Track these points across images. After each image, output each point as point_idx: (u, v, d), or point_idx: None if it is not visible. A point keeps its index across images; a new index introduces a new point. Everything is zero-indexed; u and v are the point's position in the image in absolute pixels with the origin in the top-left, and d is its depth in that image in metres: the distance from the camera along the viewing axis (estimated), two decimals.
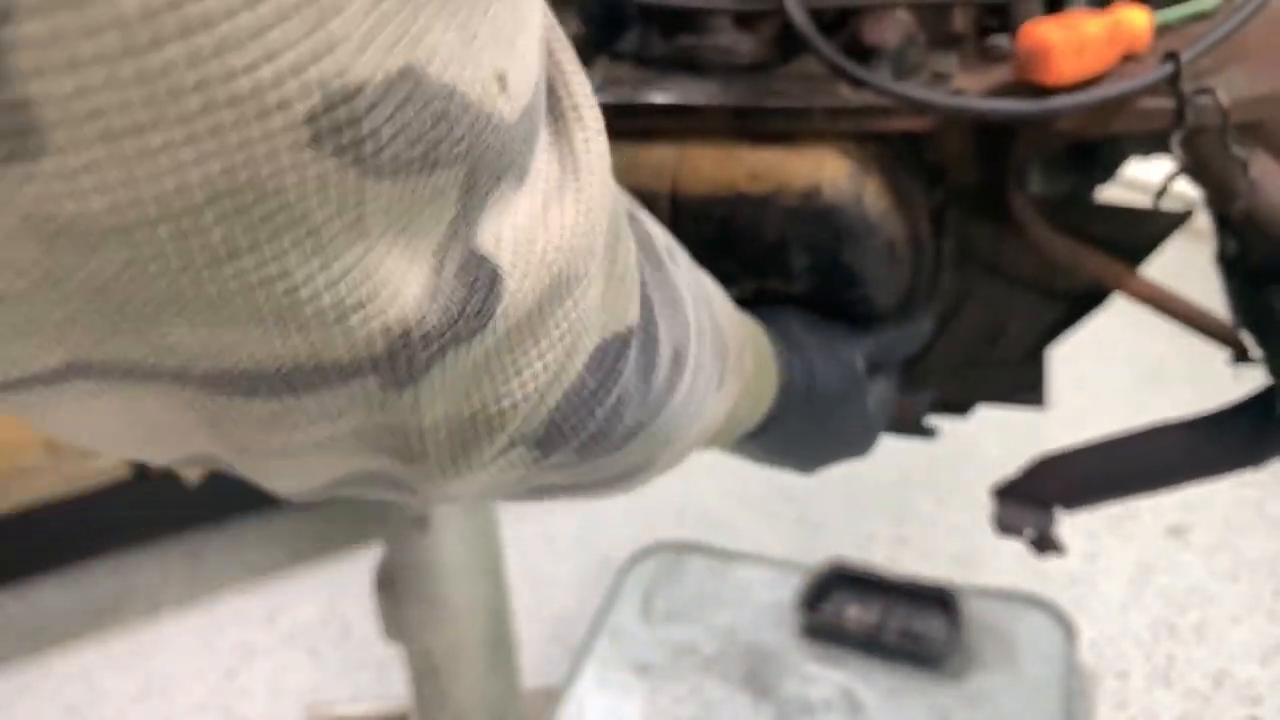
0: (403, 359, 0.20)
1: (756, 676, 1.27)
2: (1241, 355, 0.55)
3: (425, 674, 1.05)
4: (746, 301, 0.48)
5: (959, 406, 0.65)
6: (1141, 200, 0.54)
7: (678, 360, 0.31)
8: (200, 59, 0.15)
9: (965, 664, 1.25)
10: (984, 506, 0.67)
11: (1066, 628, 1.29)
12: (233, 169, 0.16)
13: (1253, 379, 0.57)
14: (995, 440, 1.66)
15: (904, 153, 0.52)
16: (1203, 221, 0.58)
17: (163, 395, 0.20)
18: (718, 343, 0.37)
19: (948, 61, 0.50)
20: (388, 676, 1.41)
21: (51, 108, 0.15)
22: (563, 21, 0.55)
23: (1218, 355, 0.56)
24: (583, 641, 1.33)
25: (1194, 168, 0.50)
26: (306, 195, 0.17)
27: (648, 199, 0.47)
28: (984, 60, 0.51)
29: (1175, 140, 0.45)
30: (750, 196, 0.48)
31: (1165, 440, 0.61)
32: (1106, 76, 0.46)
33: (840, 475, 1.84)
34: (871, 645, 1.27)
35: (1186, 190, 0.53)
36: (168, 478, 1.52)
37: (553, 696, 1.25)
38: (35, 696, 1.43)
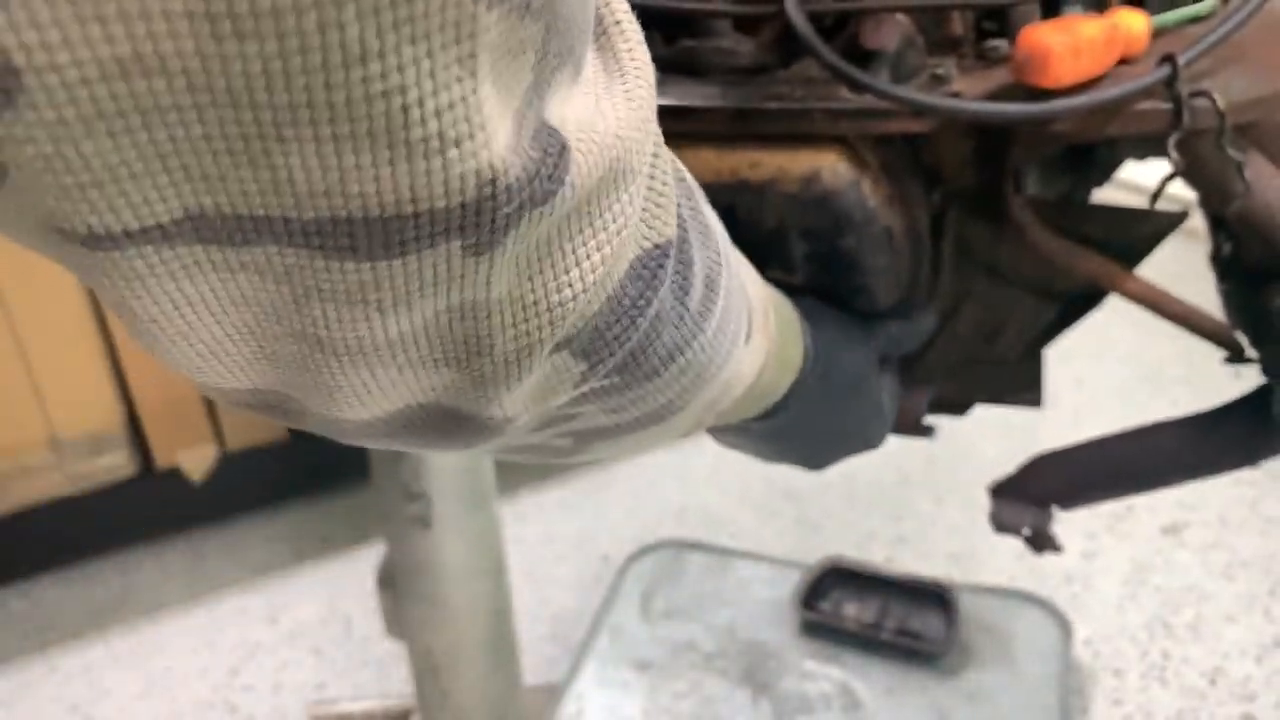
0: (487, 214, 0.21)
1: (755, 673, 1.27)
2: (1237, 355, 0.55)
3: (427, 672, 1.06)
4: None
5: (957, 406, 0.66)
6: (1138, 202, 0.54)
7: (710, 286, 0.32)
8: None
9: (962, 661, 1.25)
10: (981, 505, 0.68)
11: (1063, 625, 1.29)
12: None
13: (1248, 379, 0.57)
14: (993, 440, 1.67)
15: (903, 152, 0.52)
16: (1198, 222, 0.58)
17: (261, 268, 0.21)
18: (743, 294, 0.38)
19: (946, 65, 0.51)
20: (389, 675, 1.41)
21: None
22: None
23: (1213, 355, 0.56)
24: (583, 639, 1.33)
25: (1190, 170, 0.50)
26: (432, 9, 0.18)
27: None
28: (982, 63, 0.51)
29: (1171, 143, 0.45)
30: (751, 183, 0.49)
31: (1161, 439, 0.62)
32: (1104, 79, 0.47)
33: (839, 475, 1.85)
34: (869, 642, 1.28)
35: (1182, 192, 0.53)
36: (170, 477, 1.52)
37: (553, 694, 1.25)
38: (38, 694, 1.43)
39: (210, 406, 1.50)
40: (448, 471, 0.96)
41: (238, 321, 0.23)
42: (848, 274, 0.51)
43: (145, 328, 0.23)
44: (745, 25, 0.53)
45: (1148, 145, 0.58)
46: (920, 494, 1.65)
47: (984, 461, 1.65)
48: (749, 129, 0.50)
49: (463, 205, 0.21)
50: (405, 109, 0.19)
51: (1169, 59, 0.45)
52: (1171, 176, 0.48)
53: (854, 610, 1.33)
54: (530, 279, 0.24)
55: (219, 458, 1.54)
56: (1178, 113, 0.45)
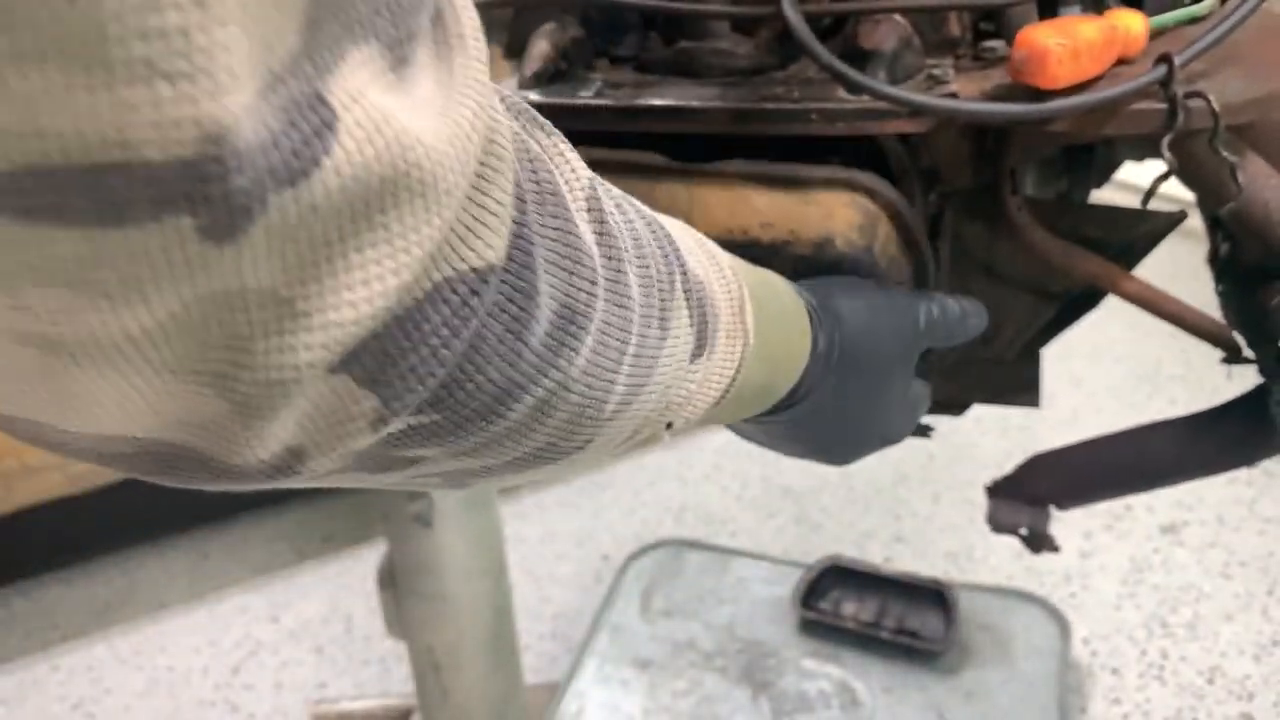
0: (216, 183, 0.18)
1: (754, 671, 1.27)
2: (1234, 355, 0.56)
3: (428, 670, 1.06)
4: None
5: (955, 406, 0.66)
6: (1135, 202, 0.54)
7: (569, 321, 0.29)
8: None
9: (961, 659, 1.26)
10: (979, 505, 0.68)
11: (1061, 624, 1.30)
12: None
13: (1245, 379, 0.57)
14: (991, 439, 1.67)
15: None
16: (1196, 223, 0.58)
17: None
18: (700, 306, 0.36)
19: (944, 65, 0.51)
20: (391, 673, 1.41)
21: None
22: (563, 25, 0.55)
23: (1211, 355, 0.56)
24: (583, 638, 1.34)
25: (1185, 170, 0.50)
26: None
27: None
28: (980, 64, 0.51)
29: (1164, 143, 0.46)
30: (763, 243, 0.49)
31: (1159, 439, 0.62)
32: (1101, 80, 0.47)
33: (838, 474, 1.85)
34: (868, 641, 1.28)
35: (1181, 192, 0.53)
36: None
37: (554, 692, 1.26)
38: (41, 693, 1.43)
39: None
40: None
41: None
42: None
43: None
44: (743, 26, 0.53)
45: (1145, 146, 0.58)
46: (919, 493, 1.65)
47: (982, 461, 1.65)
48: (748, 129, 0.50)
49: (183, 164, 0.18)
50: (101, 21, 0.16)
51: (1165, 59, 0.45)
52: (1165, 176, 0.48)
53: (853, 609, 1.33)
54: (303, 283, 0.21)
55: None
56: (1172, 113, 0.45)
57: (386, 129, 0.21)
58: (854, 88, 0.47)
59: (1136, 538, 1.53)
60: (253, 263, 0.20)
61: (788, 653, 1.29)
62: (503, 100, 0.28)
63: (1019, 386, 0.64)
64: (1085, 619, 1.39)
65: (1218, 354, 0.56)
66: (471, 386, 0.26)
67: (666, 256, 0.35)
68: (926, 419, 0.62)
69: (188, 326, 0.20)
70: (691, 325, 0.36)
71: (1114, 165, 0.62)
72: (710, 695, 1.25)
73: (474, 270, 0.24)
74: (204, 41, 0.17)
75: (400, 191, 0.21)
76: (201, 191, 0.18)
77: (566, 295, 0.28)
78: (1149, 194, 0.51)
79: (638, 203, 0.36)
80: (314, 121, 0.19)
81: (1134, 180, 0.63)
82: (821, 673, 1.26)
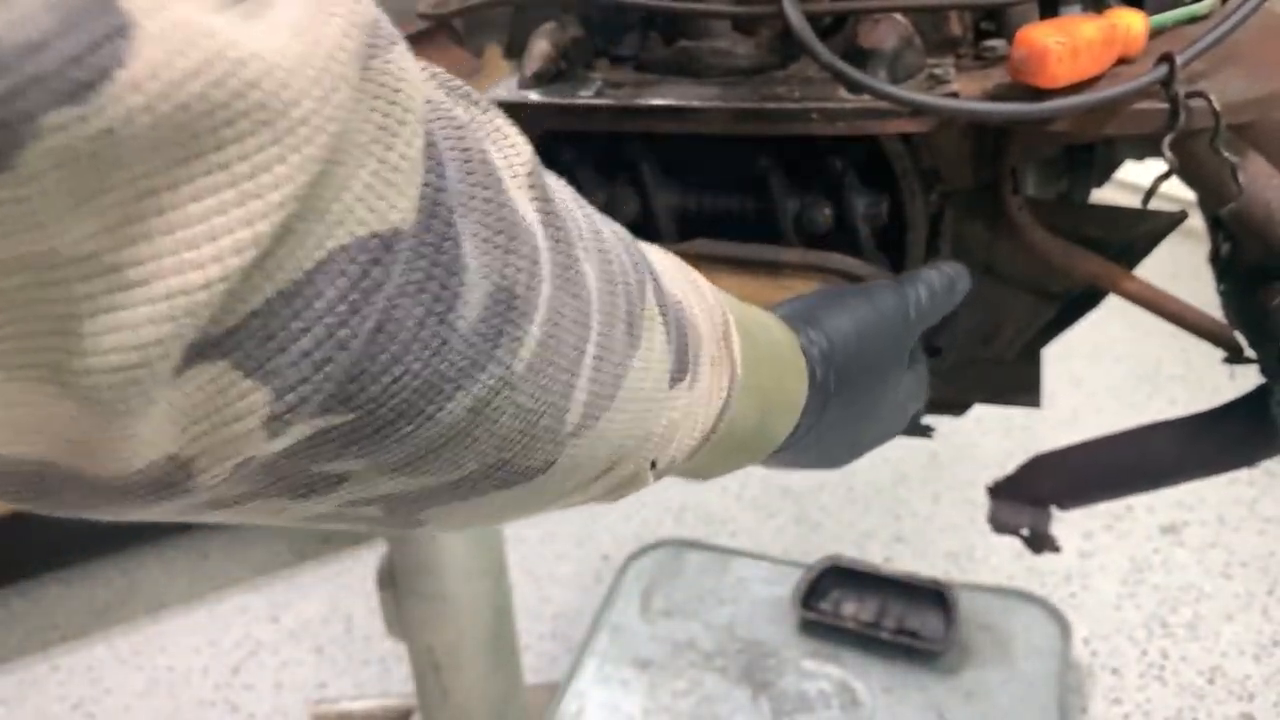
0: None
1: (754, 672, 1.27)
2: (1235, 355, 0.56)
3: (427, 671, 1.06)
4: None
5: (955, 406, 0.66)
6: (1135, 202, 0.54)
7: (507, 305, 0.24)
8: None
9: (961, 660, 1.26)
10: (980, 505, 0.68)
11: (1061, 624, 1.30)
12: None
13: (1247, 379, 0.57)
14: (991, 439, 1.67)
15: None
16: (1197, 222, 0.58)
17: None
18: (678, 325, 0.33)
19: (944, 65, 0.51)
20: (390, 673, 1.41)
21: None
22: (563, 25, 0.55)
23: (1211, 355, 0.56)
24: (583, 638, 1.34)
25: (1186, 170, 0.50)
26: None
27: None
28: (980, 64, 0.51)
29: (1165, 143, 0.46)
30: None
31: (1159, 439, 0.62)
32: (1101, 79, 0.47)
33: (838, 475, 1.84)
34: (868, 641, 1.28)
35: (1182, 192, 0.53)
36: None
37: (554, 692, 1.26)
38: (41, 693, 1.43)
39: None
40: None
41: None
42: None
43: None
44: (743, 26, 0.53)
45: (1146, 145, 0.58)
46: (919, 493, 1.65)
47: (983, 461, 1.65)
48: (749, 129, 0.50)
49: None
50: None
51: (1167, 59, 0.45)
52: (1166, 176, 0.48)
53: (853, 609, 1.33)
54: (130, 242, 0.17)
55: None
56: (1174, 113, 0.45)
57: (207, 42, 0.17)
58: (855, 87, 0.47)
59: (1137, 538, 1.53)
60: (48, 208, 0.16)
61: (788, 653, 1.29)
62: (424, 69, 0.24)
63: (1019, 386, 0.64)
64: (1085, 619, 1.39)
65: (1218, 354, 0.56)
66: (387, 378, 0.22)
67: (636, 264, 0.31)
68: (927, 419, 0.62)
69: (5, 310, 0.17)
70: (669, 343, 0.32)
71: (1114, 165, 0.62)
72: (710, 695, 1.25)
73: (375, 235, 0.21)
74: None
75: (237, 119, 0.18)
76: None
77: (503, 276, 0.24)
78: (1149, 194, 0.51)
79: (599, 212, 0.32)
80: (102, 26, 0.16)
81: (1134, 180, 0.63)
82: (821, 673, 1.26)
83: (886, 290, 0.47)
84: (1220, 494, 1.57)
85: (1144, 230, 0.55)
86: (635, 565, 1.44)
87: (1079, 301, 0.59)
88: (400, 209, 0.21)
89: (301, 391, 0.21)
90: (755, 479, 1.70)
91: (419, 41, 0.60)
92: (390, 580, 1.03)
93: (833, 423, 0.44)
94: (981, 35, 0.53)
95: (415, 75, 0.22)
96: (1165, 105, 0.45)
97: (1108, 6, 0.49)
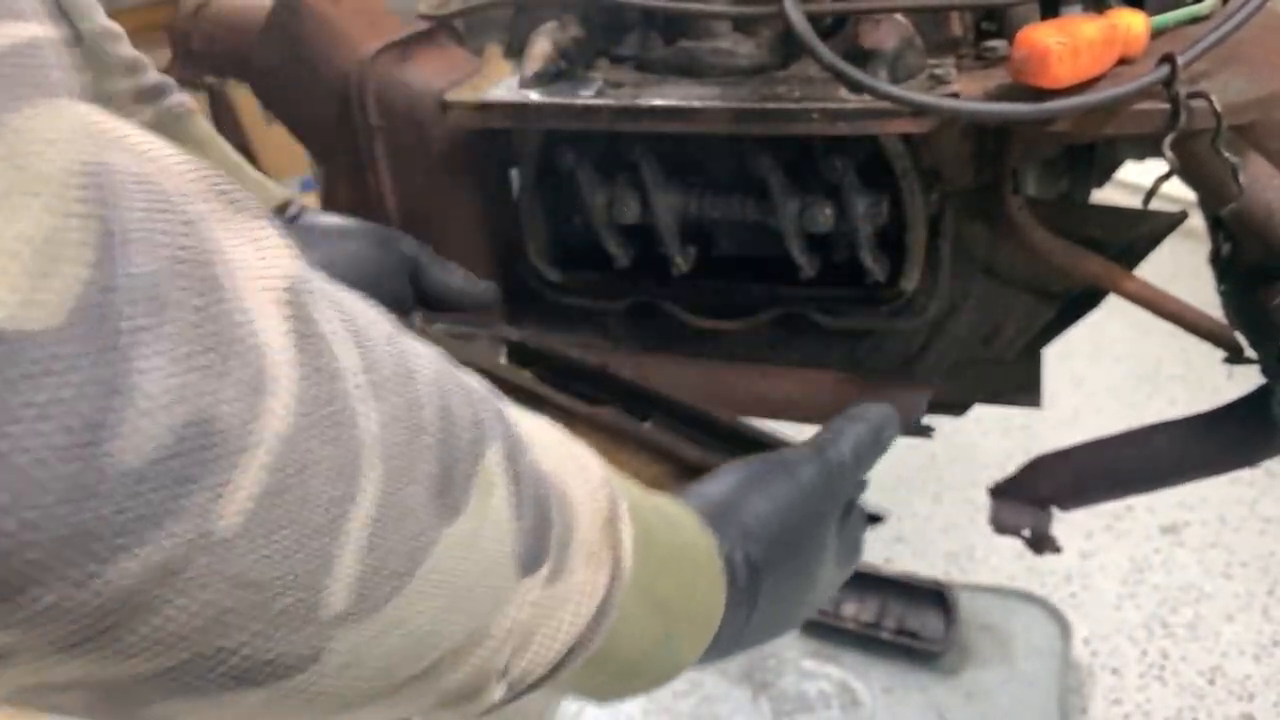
0: None
1: (754, 672, 1.27)
2: (1236, 355, 0.56)
3: None
4: None
5: (955, 406, 0.66)
6: (1136, 202, 0.54)
7: (203, 442, 0.20)
8: None
9: (961, 660, 1.26)
10: (980, 505, 0.68)
11: (1061, 624, 1.30)
12: None
13: (1247, 379, 0.57)
14: (991, 439, 1.67)
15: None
16: (1197, 223, 0.58)
17: None
18: (540, 506, 0.28)
19: (945, 65, 0.51)
20: None
21: None
22: (564, 25, 0.55)
23: (1211, 354, 0.56)
24: None
25: (1186, 170, 0.50)
26: None
27: None
28: (981, 64, 0.51)
29: (1166, 143, 0.45)
30: None
31: (1160, 440, 0.62)
32: (1102, 79, 0.47)
33: None
34: (868, 641, 1.28)
35: (1182, 192, 0.53)
36: None
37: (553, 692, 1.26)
38: None
39: None
40: None
41: None
42: None
43: None
44: (744, 26, 0.53)
45: (1147, 145, 0.58)
46: (919, 493, 1.65)
47: (983, 461, 1.65)
48: (749, 129, 0.50)
49: None
50: None
51: (1168, 59, 0.45)
52: (1167, 176, 0.48)
53: (853, 609, 1.33)
54: None
55: None
56: (1175, 113, 0.45)
57: None
58: (856, 87, 0.47)
59: (1137, 538, 1.53)
60: None
61: (788, 653, 1.29)
62: (184, 160, 0.21)
63: (1020, 386, 0.64)
64: (1086, 619, 1.39)
65: (1218, 354, 0.56)
66: (9, 524, 0.17)
67: (478, 421, 0.27)
68: (926, 419, 0.62)
69: None
70: (516, 519, 0.27)
71: (1115, 165, 0.62)
72: (710, 695, 1.25)
73: None
74: None
75: None
76: None
77: (202, 404, 0.19)
78: (1150, 194, 0.51)
79: (456, 365, 0.28)
80: None
81: (1135, 180, 0.63)
82: (821, 673, 1.26)
83: (806, 461, 0.41)
84: (1221, 494, 1.57)
85: (1144, 230, 0.55)
86: None
87: (1079, 301, 0.59)
88: (10, 305, 0.17)
89: None
90: None
91: (420, 42, 0.60)
92: None
93: (760, 621, 0.39)
94: (982, 35, 0.53)
95: (68, 139, 0.18)
96: (1166, 106, 0.45)
97: (1109, 7, 0.49)
